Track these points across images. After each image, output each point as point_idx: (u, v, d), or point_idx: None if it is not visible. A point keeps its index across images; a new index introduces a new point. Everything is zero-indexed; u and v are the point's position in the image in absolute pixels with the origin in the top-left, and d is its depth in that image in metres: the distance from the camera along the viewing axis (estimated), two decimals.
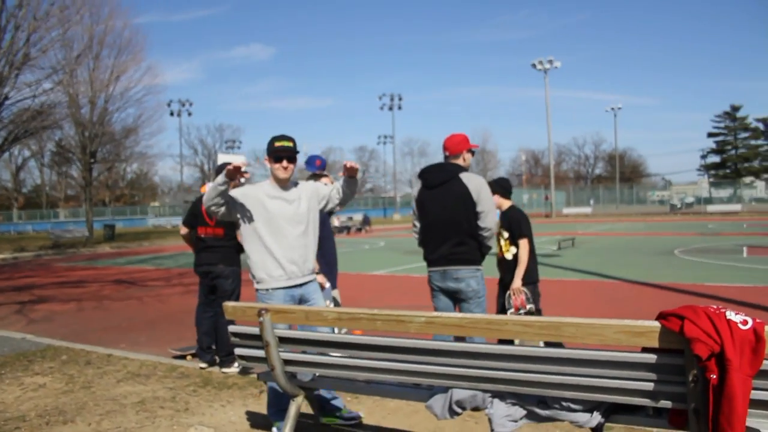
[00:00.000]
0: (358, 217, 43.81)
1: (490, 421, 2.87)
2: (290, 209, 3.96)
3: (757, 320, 2.24)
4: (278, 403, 4.06)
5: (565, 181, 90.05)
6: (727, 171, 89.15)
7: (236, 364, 5.92)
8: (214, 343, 6.12)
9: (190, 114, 70.01)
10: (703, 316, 2.27)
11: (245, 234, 4.01)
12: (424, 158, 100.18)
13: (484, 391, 2.90)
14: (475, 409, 2.95)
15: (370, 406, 4.71)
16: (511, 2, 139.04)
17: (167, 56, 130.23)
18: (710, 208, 57.27)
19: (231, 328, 3.50)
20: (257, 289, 4.02)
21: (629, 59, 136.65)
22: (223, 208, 3.86)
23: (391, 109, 74.32)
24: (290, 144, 3.96)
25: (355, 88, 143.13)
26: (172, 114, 67.19)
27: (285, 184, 4.01)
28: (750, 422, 2.36)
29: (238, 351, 3.55)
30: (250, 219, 3.94)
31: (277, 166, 3.94)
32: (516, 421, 2.85)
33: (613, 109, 77.04)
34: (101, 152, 41.52)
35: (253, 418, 4.54)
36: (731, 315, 2.27)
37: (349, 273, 14.06)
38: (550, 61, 58.86)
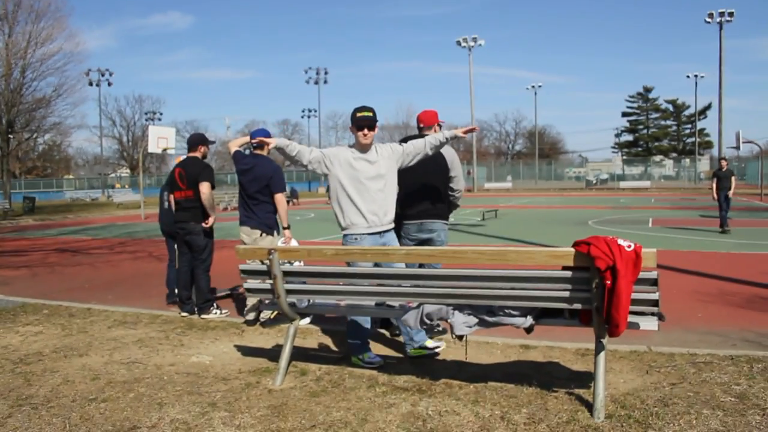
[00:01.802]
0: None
1: (451, 327, 3.88)
2: (372, 169, 4.69)
3: (637, 244, 3.32)
4: (359, 337, 4.83)
5: (486, 157, 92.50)
6: (639, 149, 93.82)
7: (214, 311, 6.75)
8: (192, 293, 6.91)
9: (110, 84, 68.14)
10: (602, 242, 3.34)
11: (333, 188, 4.72)
12: (348, 132, 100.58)
13: (447, 305, 3.90)
14: (441, 319, 3.94)
15: (339, 339, 5.66)
16: None
17: (76, 22, 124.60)
18: (623, 184, 60.57)
19: (242, 266, 4.37)
20: (345, 235, 4.75)
21: (550, 38, 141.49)
22: (306, 165, 4.70)
23: (317, 83, 74.53)
24: (370, 114, 4.67)
25: (278, 60, 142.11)
26: (91, 84, 65.24)
27: (367, 149, 4.72)
28: (631, 318, 3.47)
29: (246, 285, 4.43)
30: (339, 175, 4.66)
31: (359, 134, 4.65)
32: (471, 327, 3.88)
33: (533, 87, 79.89)
34: (18, 122, 40.32)
35: (242, 349, 5.39)
36: (621, 241, 3.35)
37: None
38: (474, 39, 60.52)
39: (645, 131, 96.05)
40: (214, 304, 6.87)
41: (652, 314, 3.59)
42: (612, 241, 3.34)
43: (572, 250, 3.45)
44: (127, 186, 73.27)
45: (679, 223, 18.77)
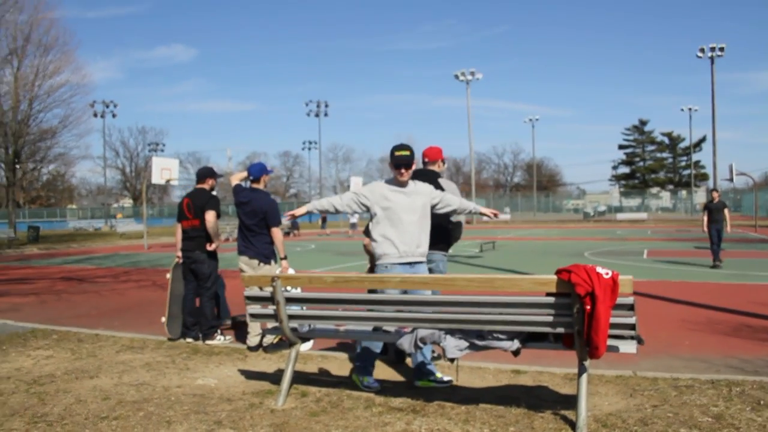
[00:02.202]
0: (285, 222, 44.57)
1: (443, 350, 4.14)
2: (407, 201, 4.94)
3: (615, 272, 3.59)
4: (365, 361, 5.06)
5: (485, 189, 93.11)
6: (636, 181, 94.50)
7: (218, 337, 6.99)
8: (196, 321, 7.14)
9: (114, 116, 68.83)
10: (582, 270, 3.61)
11: (373, 219, 5.01)
12: (349, 164, 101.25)
13: (440, 329, 4.16)
14: (434, 342, 4.20)
15: (339, 365, 5.90)
16: (435, 12, 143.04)
17: (82, 54, 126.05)
18: (620, 216, 61.02)
19: (247, 292, 4.63)
20: (377, 264, 4.97)
21: (547, 71, 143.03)
22: (344, 210, 5.08)
23: (317, 115, 75.24)
24: (408, 153, 4.94)
25: (279, 93, 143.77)
26: (95, 115, 65.96)
27: (404, 185, 5.00)
28: (610, 342, 3.72)
29: (250, 310, 4.68)
30: (374, 208, 4.95)
31: (397, 172, 4.93)
32: (462, 350, 4.13)
33: (531, 120, 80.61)
34: (24, 153, 40.76)
35: (245, 373, 5.62)
36: (599, 269, 3.62)
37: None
38: (472, 73, 61.36)
39: (641, 163, 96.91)
40: (218, 331, 7.11)
41: (631, 338, 3.84)
42: (591, 269, 3.62)
43: (554, 277, 3.72)
44: (120, 216, 73.18)
45: (674, 255, 19.04)
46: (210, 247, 7.07)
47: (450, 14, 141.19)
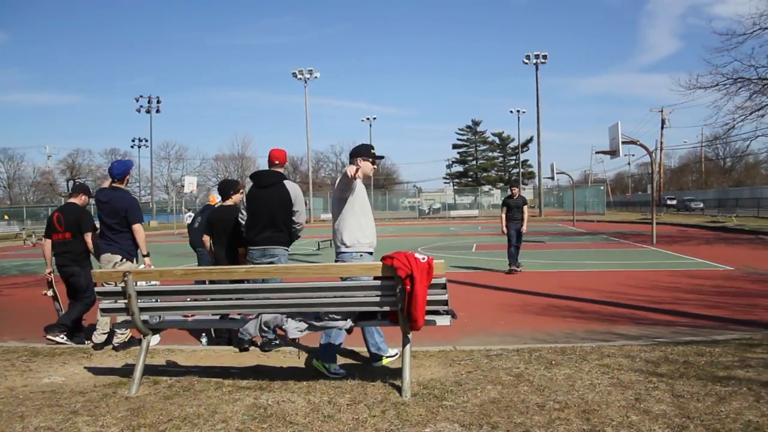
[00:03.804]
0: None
1: (285, 332, 4.63)
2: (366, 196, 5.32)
3: (430, 257, 4.26)
4: (329, 349, 5.27)
5: (323, 188, 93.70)
6: (469, 179, 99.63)
7: (62, 336, 6.99)
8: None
9: None
10: (403, 256, 4.25)
11: (348, 208, 5.30)
12: (182, 163, 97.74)
13: (282, 313, 4.65)
14: (276, 326, 4.68)
15: (185, 356, 6.20)
16: (275, 7, 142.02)
17: None
18: (453, 213, 64.53)
19: (98, 289, 4.84)
20: (345, 252, 5.26)
21: (384, 72, 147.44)
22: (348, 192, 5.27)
23: (148, 111, 72.00)
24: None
25: (106, 86, 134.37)
26: None
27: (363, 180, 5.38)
28: (428, 317, 4.40)
29: (102, 305, 4.91)
30: (357, 197, 5.24)
31: (371, 167, 5.38)
32: (302, 331, 4.64)
33: (368, 119, 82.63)
34: None
35: (93, 370, 5.76)
36: (417, 255, 4.28)
37: None
38: (310, 71, 62.22)
39: (474, 162, 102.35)
40: (65, 333, 7.08)
41: (446, 312, 4.55)
42: (410, 255, 4.27)
43: (380, 263, 4.34)
44: None
45: (500, 248, 20.62)
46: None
47: (288, 11, 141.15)
